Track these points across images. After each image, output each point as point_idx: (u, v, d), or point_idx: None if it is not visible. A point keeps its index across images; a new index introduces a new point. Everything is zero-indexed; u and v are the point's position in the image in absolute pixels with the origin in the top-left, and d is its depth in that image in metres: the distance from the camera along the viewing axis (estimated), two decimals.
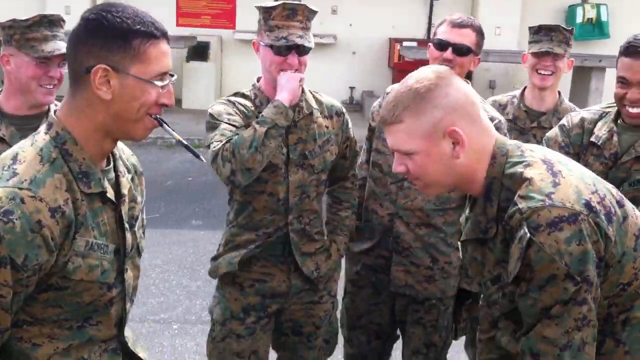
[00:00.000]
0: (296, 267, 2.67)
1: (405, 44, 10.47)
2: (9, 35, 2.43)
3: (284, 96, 2.47)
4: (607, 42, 10.57)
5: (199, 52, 10.83)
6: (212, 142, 2.46)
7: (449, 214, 2.80)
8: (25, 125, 2.41)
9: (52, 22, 2.45)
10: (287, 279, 2.68)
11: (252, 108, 2.58)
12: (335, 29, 11.45)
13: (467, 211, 1.79)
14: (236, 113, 2.54)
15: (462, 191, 1.75)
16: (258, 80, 2.67)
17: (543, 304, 1.54)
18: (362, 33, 11.44)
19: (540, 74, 3.23)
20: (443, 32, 2.71)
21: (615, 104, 2.46)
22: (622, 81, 2.34)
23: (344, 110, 2.77)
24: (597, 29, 11.01)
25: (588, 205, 1.55)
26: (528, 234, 1.51)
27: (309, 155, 2.61)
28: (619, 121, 2.48)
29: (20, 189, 1.47)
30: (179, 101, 10.86)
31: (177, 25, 11.28)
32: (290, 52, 2.50)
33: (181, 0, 11.38)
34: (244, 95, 2.63)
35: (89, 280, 1.60)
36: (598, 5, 10.98)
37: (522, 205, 1.55)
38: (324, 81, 11.55)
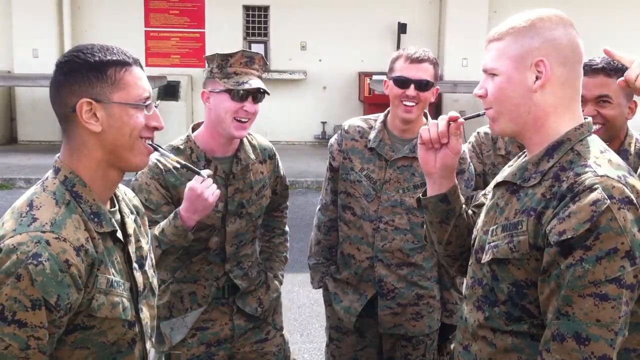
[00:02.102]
0: (239, 307, 2.62)
1: (374, 77, 10.58)
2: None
3: (193, 219, 2.28)
4: None
5: (170, 91, 10.83)
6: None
7: (427, 250, 2.76)
8: None
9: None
10: (230, 321, 2.62)
11: (185, 170, 2.40)
12: (305, 65, 11.55)
13: (516, 160, 1.75)
14: (157, 189, 2.42)
15: (525, 139, 1.67)
16: (193, 129, 2.57)
17: (593, 277, 1.43)
18: (332, 68, 11.55)
19: None
20: (402, 68, 2.67)
21: None
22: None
23: (275, 151, 2.74)
24: None
25: None
26: (608, 200, 1.45)
27: (246, 204, 2.56)
28: None
29: (43, 232, 1.50)
30: None
31: (147, 65, 11.28)
32: (247, 98, 2.42)
33: (150, 40, 11.41)
34: (178, 150, 2.50)
35: (112, 318, 1.62)
36: None
37: (598, 170, 1.51)
38: (296, 117, 11.64)
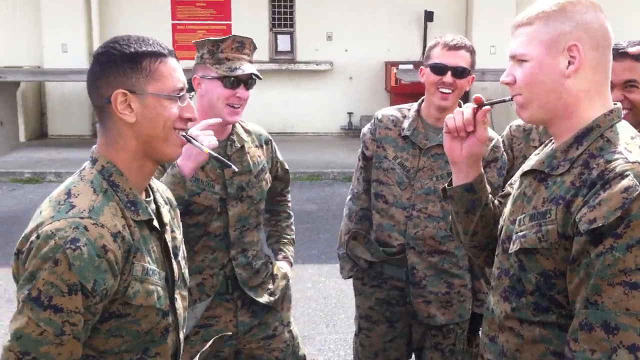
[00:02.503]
0: (243, 303, 2.59)
1: (401, 67, 10.52)
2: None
3: (188, 166, 2.26)
4: None
5: None
6: None
7: None
8: None
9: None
10: (234, 318, 2.58)
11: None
12: (331, 55, 11.51)
13: (543, 148, 1.72)
14: None
15: (553, 127, 1.64)
16: None
17: (624, 265, 1.40)
18: (358, 58, 11.50)
19: None
20: (439, 55, 2.66)
21: None
22: None
23: (270, 137, 2.77)
24: None
25: None
26: (639, 188, 1.42)
27: (246, 186, 2.56)
28: None
29: (82, 217, 1.52)
30: None
31: None
32: (240, 85, 2.44)
33: (177, 33, 11.47)
34: None
35: (147, 306, 1.63)
36: None
37: (629, 157, 1.48)
38: (322, 107, 11.62)
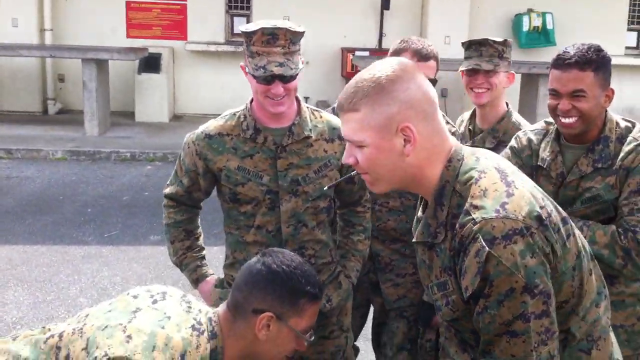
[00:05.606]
0: None
1: (357, 53, 10.56)
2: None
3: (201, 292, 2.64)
4: (553, 49, 10.77)
5: (151, 63, 10.72)
6: (168, 187, 2.61)
7: None
8: None
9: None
10: None
11: (230, 137, 2.41)
12: None
13: (419, 212, 1.74)
14: (191, 155, 2.44)
15: (412, 190, 1.70)
16: (252, 100, 2.44)
17: (502, 319, 1.51)
18: (315, 43, 11.45)
19: (474, 91, 2.97)
20: None
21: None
22: (554, 93, 2.37)
23: None
24: (543, 36, 11.31)
25: (539, 218, 1.53)
26: (487, 248, 1.48)
27: (302, 181, 2.40)
28: (561, 139, 2.47)
29: None
30: (131, 114, 10.73)
31: (128, 36, 11.15)
32: (274, 81, 2.27)
33: (131, 11, 11.27)
34: (233, 115, 2.45)
35: None
36: (544, 14, 11.27)
37: (475, 215, 1.52)
38: None
